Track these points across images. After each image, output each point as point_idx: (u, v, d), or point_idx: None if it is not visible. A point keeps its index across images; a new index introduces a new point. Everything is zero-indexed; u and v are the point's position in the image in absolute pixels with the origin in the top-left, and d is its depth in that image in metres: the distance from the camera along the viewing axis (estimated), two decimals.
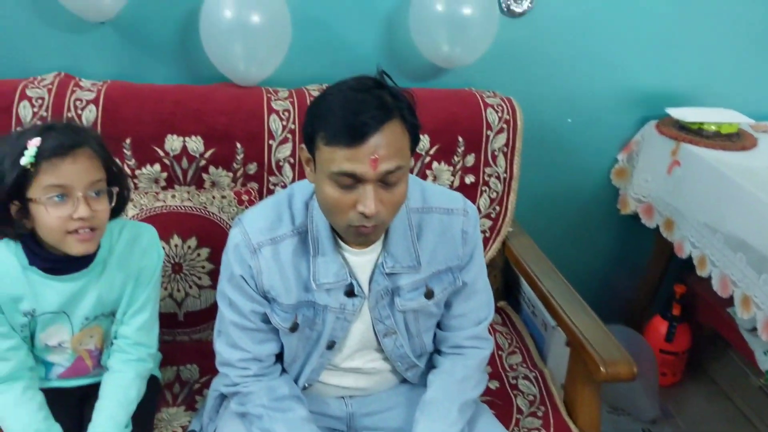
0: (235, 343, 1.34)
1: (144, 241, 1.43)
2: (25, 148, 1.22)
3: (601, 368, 1.47)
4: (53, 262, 1.33)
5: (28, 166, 1.22)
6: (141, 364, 1.43)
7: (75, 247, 1.28)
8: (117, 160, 1.40)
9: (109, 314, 1.43)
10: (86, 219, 1.25)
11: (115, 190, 1.33)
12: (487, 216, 1.97)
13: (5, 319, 1.34)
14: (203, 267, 1.73)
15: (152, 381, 1.52)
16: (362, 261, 1.31)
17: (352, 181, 1.14)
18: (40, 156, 1.22)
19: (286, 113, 1.84)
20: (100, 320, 1.42)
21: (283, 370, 1.41)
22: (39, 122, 1.71)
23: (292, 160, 1.84)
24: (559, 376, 1.74)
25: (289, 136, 1.83)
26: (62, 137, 1.25)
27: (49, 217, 1.24)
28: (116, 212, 1.38)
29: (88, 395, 1.45)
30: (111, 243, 1.39)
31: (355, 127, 1.11)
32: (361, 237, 1.21)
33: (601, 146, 2.29)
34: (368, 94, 1.14)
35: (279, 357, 1.40)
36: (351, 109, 1.12)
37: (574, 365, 1.62)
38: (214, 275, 1.73)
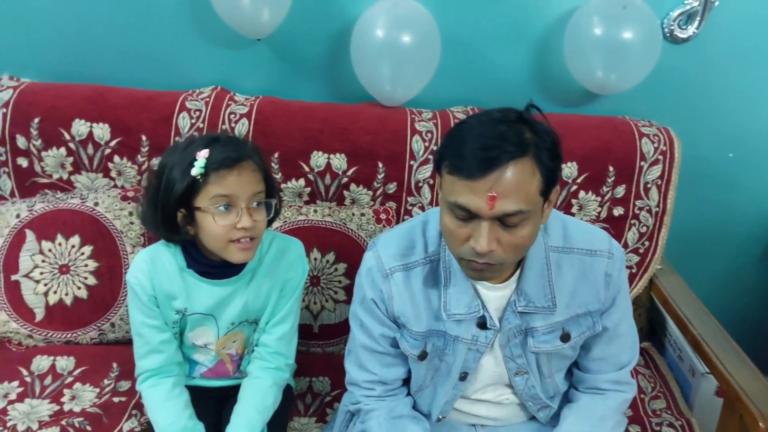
0: (362, 364, 1.34)
1: (292, 254, 1.47)
2: (195, 159, 1.28)
3: (761, 424, 1.35)
4: (209, 266, 1.39)
5: (198, 177, 1.28)
6: (279, 373, 1.46)
7: (236, 255, 1.33)
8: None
9: (253, 321, 1.48)
10: (248, 229, 1.30)
11: (274, 201, 1.37)
12: (635, 251, 1.87)
13: (160, 313, 1.41)
14: (339, 282, 1.75)
15: (286, 389, 1.54)
16: (495, 296, 1.26)
17: (467, 214, 1.09)
18: (209, 167, 1.28)
19: (429, 134, 1.83)
20: (243, 326, 1.47)
21: (408, 394, 1.39)
22: (195, 133, 1.81)
23: (431, 182, 1.83)
24: (707, 427, 1.61)
25: (430, 157, 1.82)
26: (228, 150, 1.30)
27: (216, 225, 1.29)
28: (270, 223, 1.42)
29: (228, 396, 1.50)
30: (261, 253, 1.44)
31: (478, 160, 1.05)
32: (473, 272, 1.16)
33: (764, 184, 2.13)
34: (506, 126, 1.08)
35: (406, 382, 1.38)
36: (480, 141, 1.07)
37: (726, 417, 1.50)
38: (349, 290, 1.75)
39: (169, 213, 1.31)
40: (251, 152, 1.34)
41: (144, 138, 1.82)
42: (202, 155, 1.28)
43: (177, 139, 1.81)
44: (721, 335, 1.64)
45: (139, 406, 1.54)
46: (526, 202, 1.08)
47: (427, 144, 1.82)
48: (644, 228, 1.87)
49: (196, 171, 1.27)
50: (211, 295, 1.41)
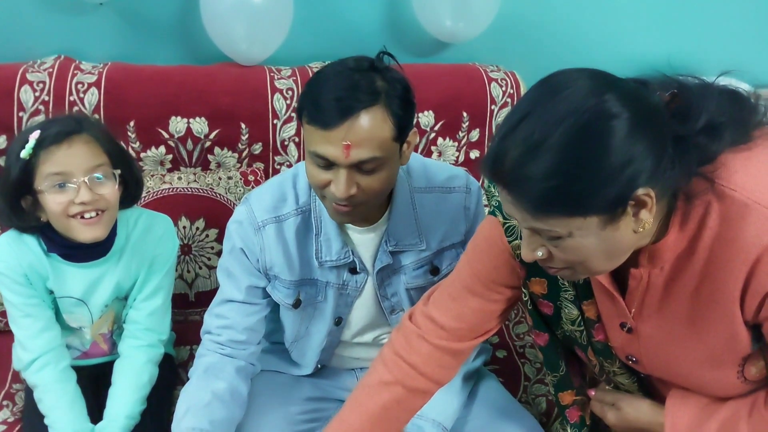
0: (220, 313, 1.33)
1: (159, 229, 1.45)
2: (27, 141, 1.25)
3: None
4: (70, 248, 1.35)
5: (28, 157, 1.24)
6: (152, 349, 1.44)
7: (82, 232, 1.29)
8: (123, 145, 1.41)
9: (123, 298, 1.45)
10: (89, 203, 1.26)
11: (118, 172, 1.32)
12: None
13: (35, 292, 1.36)
14: (212, 247, 1.74)
15: (168, 360, 1.54)
16: (366, 239, 1.32)
17: (326, 162, 1.14)
18: (39, 147, 1.24)
19: (290, 92, 1.83)
20: (114, 303, 1.44)
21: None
22: (41, 107, 1.71)
23: (297, 139, 1.84)
24: None
25: (293, 114, 1.82)
26: (58, 126, 1.27)
27: (53, 203, 1.26)
28: (131, 197, 1.39)
29: (103, 373, 1.45)
30: (128, 231, 1.41)
31: (332, 111, 1.10)
32: (338, 216, 1.22)
33: None
34: (359, 75, 1.13)
35: (254, 337, 1.35)
36: (334, 92, 1.11)
37: None
38: None
39: (11, 201, 1.27)
40: (88, 126, 1.31)
41: None
42: (33, 136, 1.25)
43: (21, 114, 1.71)
44: None
45: (10, 397, 1.48)
46: (380, 149, 1.13)
47: (288, 102, 1.82)
48: None
49: (24, 152, 1.24)
50: (80, 279, 1.38)
